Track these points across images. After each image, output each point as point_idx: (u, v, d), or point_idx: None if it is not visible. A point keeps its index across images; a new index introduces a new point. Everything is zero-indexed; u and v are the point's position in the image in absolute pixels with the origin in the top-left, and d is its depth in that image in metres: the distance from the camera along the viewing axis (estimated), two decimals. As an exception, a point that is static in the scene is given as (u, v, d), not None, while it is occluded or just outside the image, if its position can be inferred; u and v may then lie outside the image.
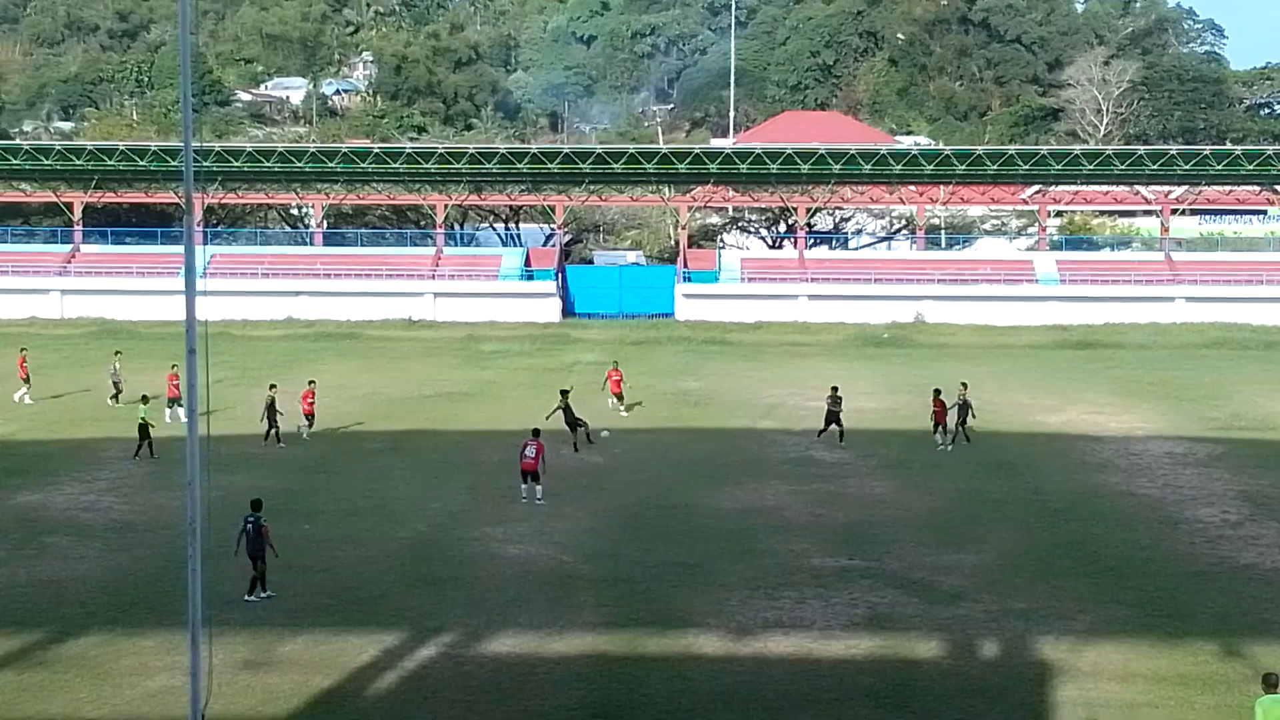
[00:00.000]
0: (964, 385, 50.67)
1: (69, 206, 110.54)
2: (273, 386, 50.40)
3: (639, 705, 23.57)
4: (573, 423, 47.44)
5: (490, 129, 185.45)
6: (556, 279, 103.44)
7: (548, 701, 23.57)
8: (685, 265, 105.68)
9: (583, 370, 71.71)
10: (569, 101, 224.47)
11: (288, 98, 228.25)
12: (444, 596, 29.55)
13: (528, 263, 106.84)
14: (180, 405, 56.96)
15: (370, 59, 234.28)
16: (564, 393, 47.16)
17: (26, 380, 58.18)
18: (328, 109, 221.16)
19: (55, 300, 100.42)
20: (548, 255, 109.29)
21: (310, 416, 49.92)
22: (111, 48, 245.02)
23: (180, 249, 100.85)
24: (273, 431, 48.01)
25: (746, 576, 31.38)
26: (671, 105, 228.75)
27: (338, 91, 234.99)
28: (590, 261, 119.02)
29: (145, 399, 46.53)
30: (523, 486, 39.02)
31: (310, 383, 51.86)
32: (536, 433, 40.71)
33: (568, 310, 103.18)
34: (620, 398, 55.67)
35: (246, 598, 28.78)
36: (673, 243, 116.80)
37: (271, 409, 48.31)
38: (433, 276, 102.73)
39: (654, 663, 25.70)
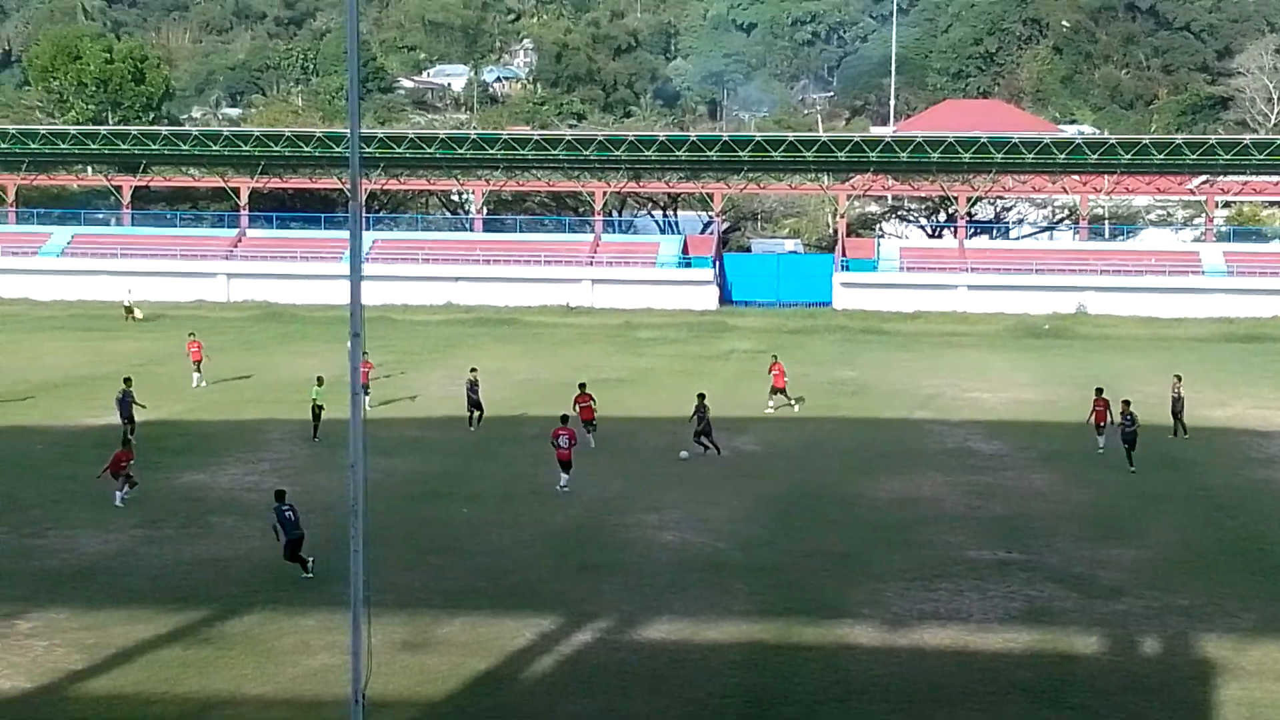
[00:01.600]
0: (1178, 378, 49.84)
1: (236, 192, 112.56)
2: (473, 370, 50.69)
3: (793, 694, 23.50)
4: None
5: (649, 116, 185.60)
6: (714, 266, 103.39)
7: (702, 688, 23.58)
8: (843, 254, 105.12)
9: (739, 358, 71.68)
10: (728, 89, 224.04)
11: (449, 85, 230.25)
12: (599, 582, 29.67)
13: (685, 250, 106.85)
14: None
15: (531, 46, 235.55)
16: (701, 396, 45.93)
17: (198, 366, 58.69)
18: (488, 96, 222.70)
19: (221, 284, 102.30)
20: (705, 243, 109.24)
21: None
22: (278, 35, 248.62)
23: (342, 234, 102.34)
24: (475, 415, 48.42)
25: (902, 567, 31.16)
26: (831, 93, 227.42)
27: (498, 78, 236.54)
28: (748, 249, 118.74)
29: (320, 380, 47.14)
30: (563, 477, 38.52)
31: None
32: (565, 419, 40.62)
33: (725, 298, 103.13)
34: (784, 391, 54.93)
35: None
36: (831, 231, 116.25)
37: (473, 390, 48.80)
38: (591, 263, 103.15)
39: (808, 652, 25.61)
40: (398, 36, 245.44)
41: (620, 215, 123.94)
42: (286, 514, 29.46)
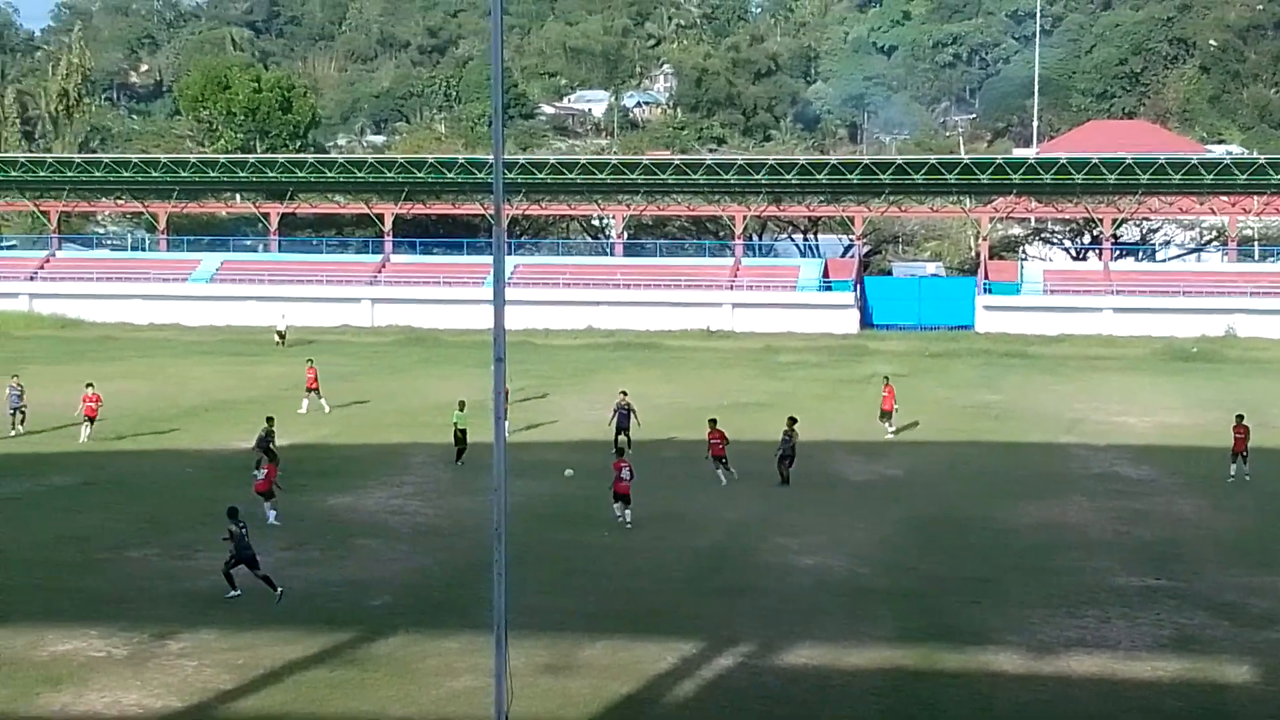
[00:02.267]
0: None
1: (380, 218, 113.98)
2: (623, 393, 50.86)
3: (936, 721, 23.33)
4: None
5: (789, 140, 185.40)
6: (855, 290, 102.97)
7: (844, 714, 23.45)
8: (986, 276, 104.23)
9: (880, 382, 71.22)
10: (869, 112, 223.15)
11: (590, 110, 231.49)
12: (739, 606, 29.60)
13: (826, 274, 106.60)
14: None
15: (671, 71, 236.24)
16: (792, 421, 45.01)
17: (313, 391, 58.46)
18: (629, 121, 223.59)
19: (366, 309, 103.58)
20: (846, 266, 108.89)
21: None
22: (421, 63, 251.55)
23: (484, 259, 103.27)
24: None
25: (1047, 593, 30.77)
26: (973, 115, 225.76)
27: (639, 104, 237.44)
28: (889, 272, 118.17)
29: (462, 405, 47.55)
30: (625, 512, 37.50)
31: None
32: (621, 452, 40.46)
33: (866, 321, 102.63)
34: (889, 415, 54.40)
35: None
36: (973, 254, 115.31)
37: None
38: (731, 287, 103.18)
39: (951, 679, 25.37)
40: (539, 63, 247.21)
41: (760, 239, 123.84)
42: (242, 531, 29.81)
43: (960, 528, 37.61)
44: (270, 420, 44.70)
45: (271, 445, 43.39)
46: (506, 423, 47.80)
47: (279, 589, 29.29)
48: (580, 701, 23.70)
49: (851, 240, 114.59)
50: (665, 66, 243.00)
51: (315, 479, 43.19)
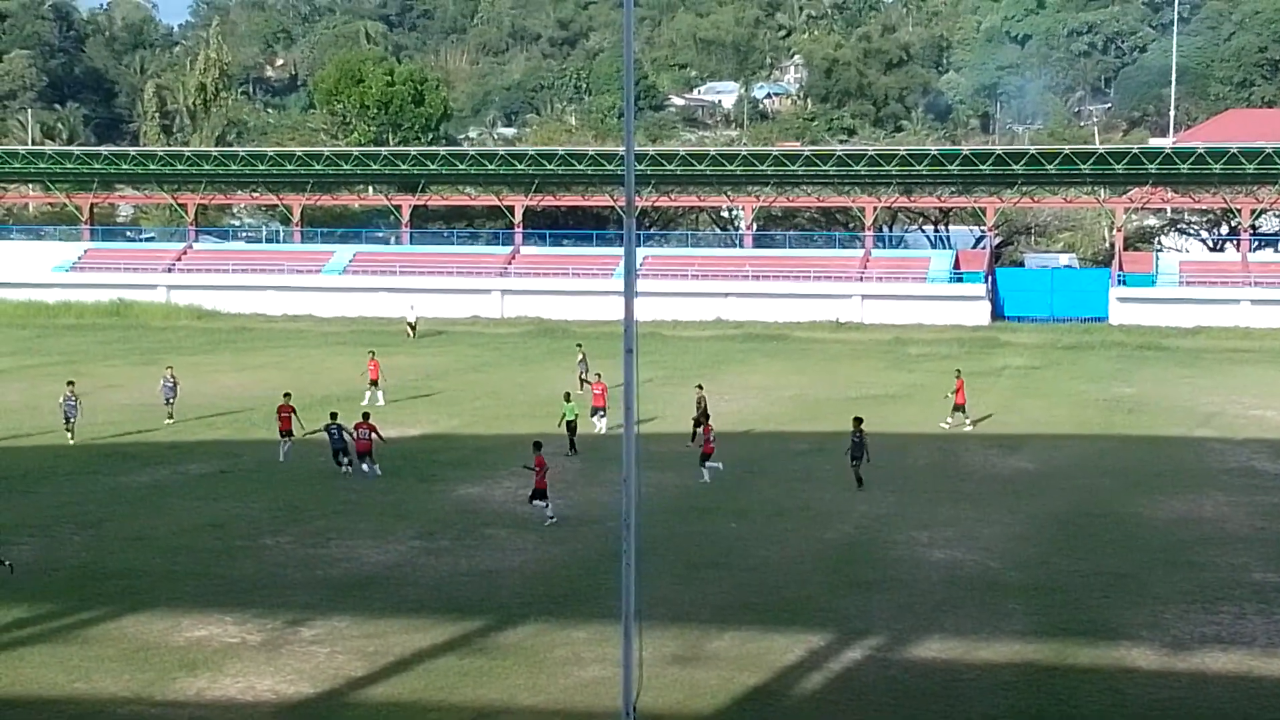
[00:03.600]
0: None
1: (510, 209, 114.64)
2: (699, 386, 50.81)
3: (1069, 716, 23.01)
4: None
5: (920, 130, 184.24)
6: (986, 281, 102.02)
7: (975, 708, 23.23)
8: (1120, 268, 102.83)
9: (1012, 375, 70.65)
10: (1001, 102, 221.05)
11: (719, 101, 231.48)
12: (870, 599, 29.44)
13: (957, 265, 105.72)
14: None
15: (801, 62, 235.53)
16: (858, 421, 42.63)
17: (375, 383, 58.31)
18: (759, 112, 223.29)
19: (496, 300, 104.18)
20: (977, 257, 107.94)
21: None
22: (552, 55, 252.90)
23: (614, 251, 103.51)
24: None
25: (1183, 589, 30.30)
26: (1108, 104, 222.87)
27: (769, 95, 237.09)
28: (1021, 264, 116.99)
29: (568, 396, 47.82)
30: (536, 503, 36.71)
31: None
32: (539, 447, 38.18)
33: (997, 313, 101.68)
34: (961, 409, 53.59)
35: None
36: (1107, 245, 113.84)
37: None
38: (861, 278, 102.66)
39: (1084, 674, 25.05)
40: (669, 54, 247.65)
41: (891, 230, 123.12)
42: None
43: (1094, 522, 37.13)
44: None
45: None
46: (603, 420, 48.23)
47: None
48: (708, 693, 23.69)
49: (983, 231, 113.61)
50: (796, 57, 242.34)
51: (446, 469, 43.54)
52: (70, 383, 49.21)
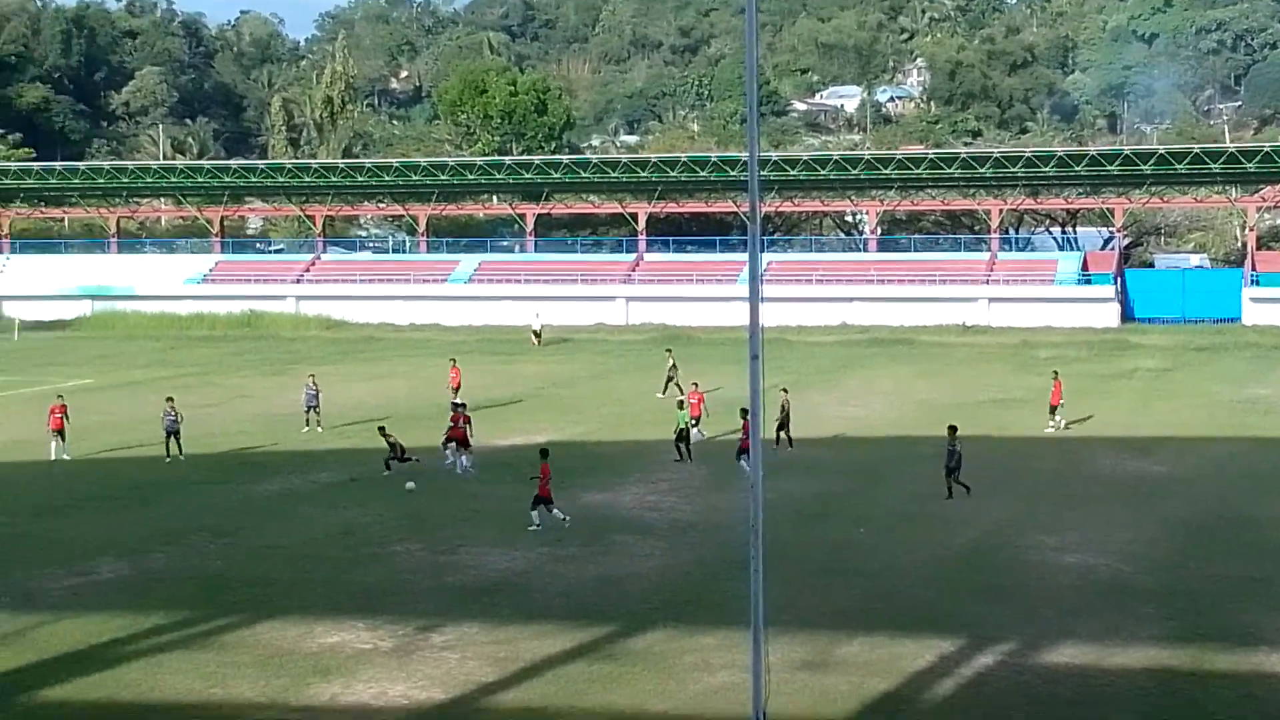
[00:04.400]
0: None
1: (634, 217, 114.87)
2: (784, 390, 50.48)
3: (1204, 724, 22.72)
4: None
5: (1046, 132, 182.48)
6: (1115, 283, 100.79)
7: (1109, 714, 22.95)
8: (1253, 268, 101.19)
9: (1143, 377, 69.78)
10: (1128, 101, 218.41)
11: (842, 106, 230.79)
12: (999, 604, 29.17)
13: (1085, 267, 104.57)
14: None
15: (924, 64, 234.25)
16: (952, 429, 41.04)
17: (457, 390, 58.20)
18: (882, 116, 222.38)
19: (620, 307, 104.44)
20: (1106, 259, 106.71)
21: None
22: (673, 62, 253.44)
23: (737, 257, 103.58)
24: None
25: (1322, 595, 29.79)
26: (1238, 102, 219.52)
27: (892, 98, 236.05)
28: (1151, 265, 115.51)
29: (681, 404, 47.82)
30: (533, 512, 36.36)
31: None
32: (545, 454, 38.24)
33: (1127, 315, 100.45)
34: (1056, 410, 52.70)
35: None
36: (1239, 245, 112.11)
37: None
38: (987, 281, 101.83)
39: (1220, 679, 24.66)
40: (791, 60, 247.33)
41: (1017, 232, 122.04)
42: None
43: (1228, 526, 36.56)
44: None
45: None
46: (700, 431, 48.03)
47: None
48: (838, 698, 23.59)
49: (1112, 232, 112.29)
50: (919, 60, 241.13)
51: (573, 476, 43.65)
52: (170, 398, 48.61)
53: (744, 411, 43.60)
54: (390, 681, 24.61)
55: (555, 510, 36.34)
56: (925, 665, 25.30)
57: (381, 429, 44.84)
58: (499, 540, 35.03)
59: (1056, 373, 55.50)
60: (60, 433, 47.44)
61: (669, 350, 66.59)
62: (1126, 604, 29.16)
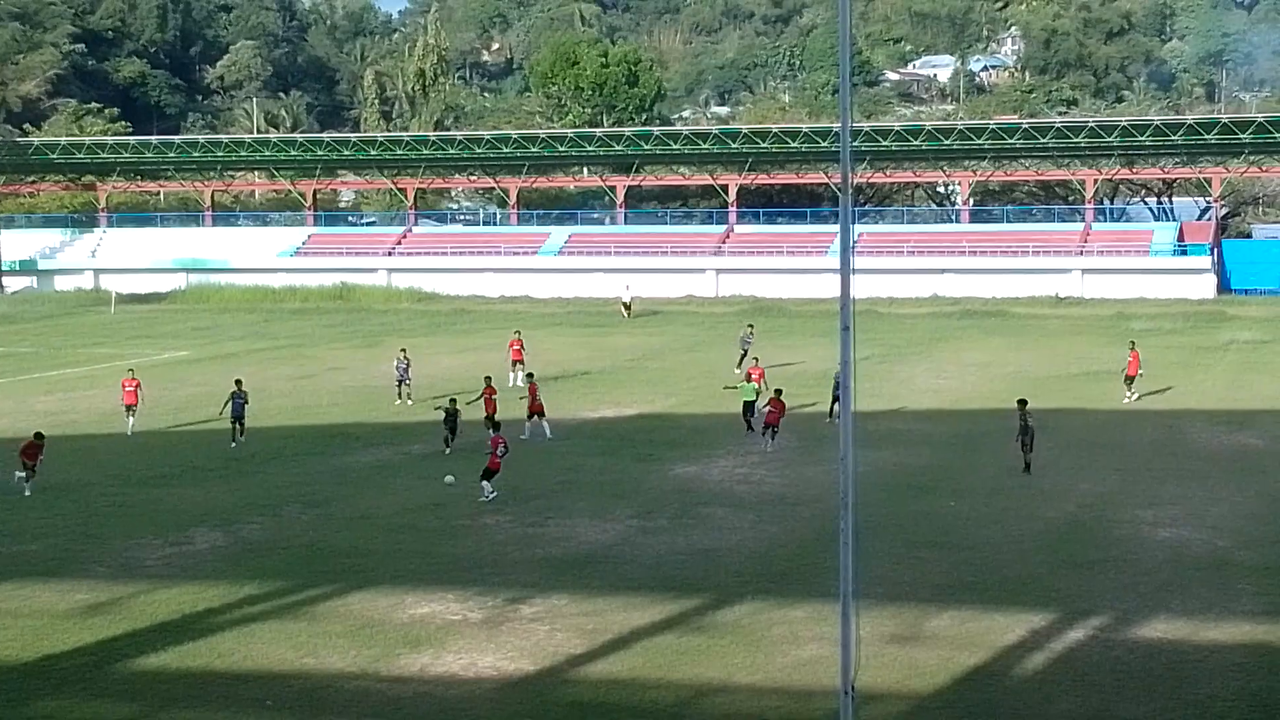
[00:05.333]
0: None
1: (724, 188, 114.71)
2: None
3: (1301, 701, 22.40)
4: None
5: (1142, 100, 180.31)
6: (1211, 254, 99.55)
7: (1203, 691, 22.69)
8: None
9: (1239, 349, 68.94)
10: (1227, 69, 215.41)
11: (935, 76, 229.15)
12: (1092, 579, 28.91)
13: (1181, 237, 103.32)
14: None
15: (1019, 33, 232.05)
16: (1022, 403, 40.34)
17: (519, 364, 57.71)
18: (975, 86, 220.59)
19: (710, 279, 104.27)
20: (1202, 229, 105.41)
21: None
22: (765, 33, 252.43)
23: (828, 228, 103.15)
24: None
25: None
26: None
27: (985, 68, 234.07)
28: (1249, 235, 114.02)
29: (749, 377, 47.45)
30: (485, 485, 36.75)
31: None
32: (499, 426, 39.52)
33: (1223, 286, 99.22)
34: (1131, 381, 52.24)
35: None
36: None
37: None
38: (1081, 253, 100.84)
39: (1318, 657, 24.36)
40: (884, 29, 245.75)
41: (1112, 203, 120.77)
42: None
43: (1327, 500, 36.06)
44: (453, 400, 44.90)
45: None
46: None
47: None
48: (928, 672, 23.48)
49: (1209, 202, 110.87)
50: (1013, 29, 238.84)
51: (663, 449, 43.72)
52: (238, 380, 47.15)
53: (778, 391, 43.62)
54: (479, 653, 24.72)
55: (486, 483, 36.65)
56: (1016, 639, 25.13)
57: (453, 400, 44.41)
58: (589, 512, 35.11)
59: (1134, 343, 54.83)
60: (132, 408, 47.37)
61: (750, 325, 65.90)
62: (1222, 579, 28.82)
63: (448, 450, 42.66)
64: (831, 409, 46.59)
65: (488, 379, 46.08)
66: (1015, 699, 22.64)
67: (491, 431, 38.33)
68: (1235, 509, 34.96)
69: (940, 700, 22.50)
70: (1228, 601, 27.23)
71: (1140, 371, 52.50)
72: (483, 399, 44.65)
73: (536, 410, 45.41)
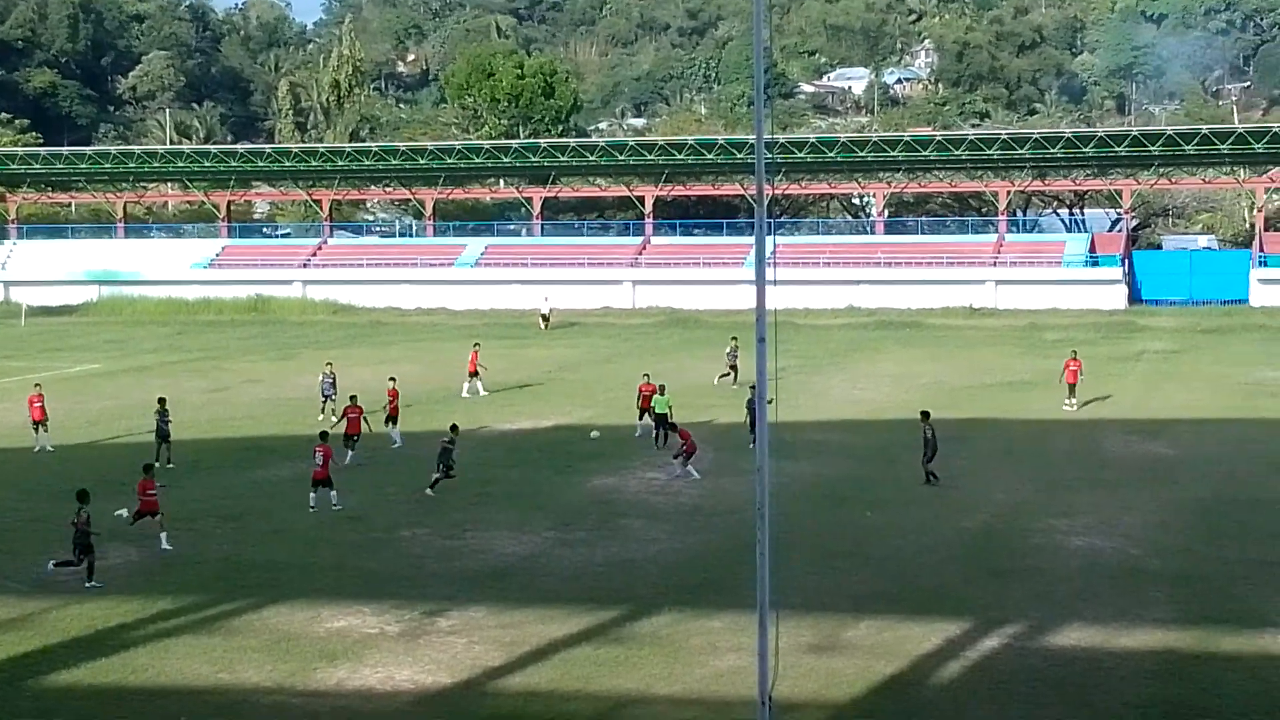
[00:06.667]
0: None
1: (641, 200, 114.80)
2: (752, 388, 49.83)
3: (1211, 706, 22.63)
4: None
5: (1054, 113, 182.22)
6: (1123, 265, 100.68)
7: (1115, 698, 22.94)
8: (1261, 249, 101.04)
9: (1151, 359, 69.70)
10: (1137, 82, 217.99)
11: (850, 88, 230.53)
12: (1007, 588, 29.16)
13: (1092, 249, 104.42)
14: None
15: (932, 46, 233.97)
16: (925, 414, 40.57)
17: (474, 375, 58.12)
18: (889, 98, 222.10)
19: (627, 290, 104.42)
20: (1113, 240, 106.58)
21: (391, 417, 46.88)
22: (681, 45, 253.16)
23: (744, 240, 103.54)
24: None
25: (1331, 577, 29.75)
26: (1247, 83, 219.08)
27: (899, 80, 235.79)
28: (1159, 246, 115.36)
29: (662, 389, 47.36)
30: (311, 496, 36.77)
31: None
32: (325, 436, 38.57)
33: (1134, 297, 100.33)
34: (1073, 389, 52.84)
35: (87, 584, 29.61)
36: (1247, 226, 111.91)
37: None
38: (994, 264, 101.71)
39: (1228, 662, 24.63)
40: (799, 42, 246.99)
41: (1025, 214, 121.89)
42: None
43: (1238, 509, 36.50)
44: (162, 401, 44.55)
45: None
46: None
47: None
48: (845, 681, 23.60)
49: (1119, 214, 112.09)
50: (926, 42, 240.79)
51: (581, 460, 43.69)
52: (161, 399, 45.53)
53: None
54: (397, 666, 24.63)
55: (313, 494, 36.77)
56: (932, 648, 25.30)
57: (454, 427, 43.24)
58: (507, 524, 35.05)
59: (1075, 352, 55.36)
60: (40, 423, 46.41)
61: (734, 338, 63.81)
62: (1135, 587, 29.14)
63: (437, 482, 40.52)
64: (750, 425, 46.26)
65: (353, 397, 45.48)
66: (932, 708, 22.80)
67: (321, 441, 37.81)
68: (1147, 518, 35.34)
69: (857, 709, 22.62)
70: (1140, 609, 27.53)
71: (1081, 378, 53.01)
72: (346, 417, 44.15)
73: (393, 414, 46.03)
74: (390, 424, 46.40)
